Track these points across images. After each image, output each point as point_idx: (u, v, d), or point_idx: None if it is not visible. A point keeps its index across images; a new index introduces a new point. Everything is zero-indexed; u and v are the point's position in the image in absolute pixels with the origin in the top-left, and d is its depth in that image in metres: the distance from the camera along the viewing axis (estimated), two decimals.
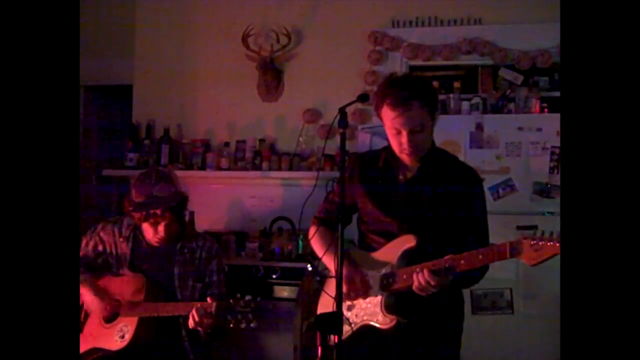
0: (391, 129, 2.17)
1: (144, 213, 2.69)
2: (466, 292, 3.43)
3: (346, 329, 2.09)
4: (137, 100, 4.59)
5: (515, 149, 3.58)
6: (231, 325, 2.40)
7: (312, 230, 2.42)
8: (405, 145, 2.16)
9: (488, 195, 3.53)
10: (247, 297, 2.41)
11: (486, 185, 3.51)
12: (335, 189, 2.46)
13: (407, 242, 2.16)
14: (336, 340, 1.92)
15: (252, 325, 2.39)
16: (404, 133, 2.14)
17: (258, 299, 2.42)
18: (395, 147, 2.21)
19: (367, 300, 2.20)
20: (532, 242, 1.85)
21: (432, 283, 2.01)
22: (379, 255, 2.24)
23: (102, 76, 4.90)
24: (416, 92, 2.13)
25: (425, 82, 2.26)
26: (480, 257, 1.96)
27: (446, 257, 2.02)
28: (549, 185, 3.51)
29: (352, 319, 2.18)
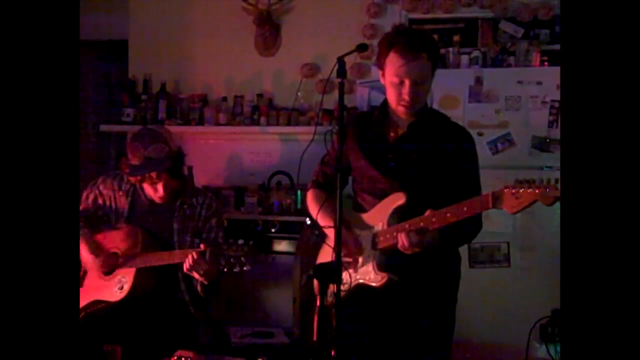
0: (393, 79, 2.16)
1: (138, 177, 2.69)
2: (464, 246, 3.49)
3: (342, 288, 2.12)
4: (133, 55, 4.53)
5: (515, 103, 3.56)
6: (225, 270, 2.42)
7: (308, 193, 2.47)
8: (406, 96, 2.15)
9: (486, 150, 3.54)
10: (240, 241, 2.43)
11: (485, 140, 3.55)
12: (330, 152, 2.47)
13: (397, 199, 2.18)
14: (335, 291, 1.94)
15: (245, 268, 2.41)
16: (407, 83, 2.13)
17: (250, 243, 2.43)
18: (392, 98, 2.20)
19: (361, 260, 2.23)
20: (512, 191, 1.88)
21: (413, 241, 2.04)
22: (371, 214, 2.27)
23: (97, 31, 4.83)
24: (425, 44, 2.14)
25: (432, 38, 2.28)
26: (465, 208, 1.98)
27: (427, 213, 2.05)
28: (548, 140, 3.50)
29: (346, 279, 2.19)
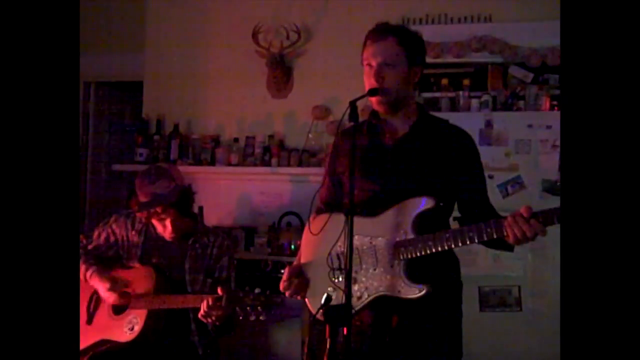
0: (366, 68, 2.12)
1: (145, 213, 2.71)
2: (474, 289, 3.47)
3: (354, 302, 2.02)
4: (147, 95, 4.62)
5: (525, 147, 3.58)
6: (240, 318, 2.41)
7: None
8: (373, 79, 2.08)
9: (497, 193, 3.54)
10: (257, 290, 2.42)
11: (495, 183, 3.55)
12: (324, 175, 2.37)
13: (420, 204, 2.02)
14: (345, 333, 1.92)
15: (261, 317, 2.40)
16: (374, 64, 2.08)
17: (267, 292, 2.43)
18: (366, 87, 2.12)
19: (377, 270, 2.06)
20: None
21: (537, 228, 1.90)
22: (385, 219, 2.08)
23: (112, 72, 4.94)
24: (394, 30, 2.12)
25: (409, 30, 2.18)
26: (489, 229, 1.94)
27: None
28: (558, 183, 3.50)
29: (361, 291, 2.07)
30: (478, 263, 3.39)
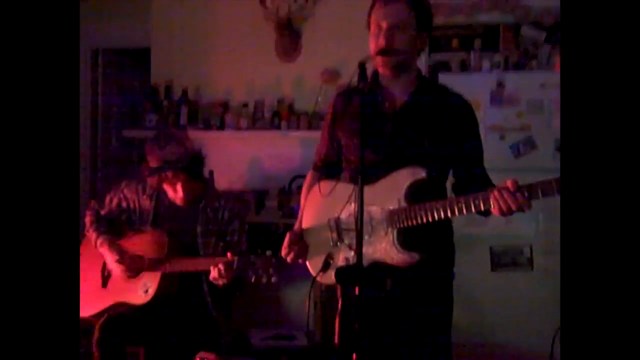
0: (374, 30, 2.11)
1: (156, 178, 2.72)
2: (486, 249, 3.48)
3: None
4: (155, 62, 4.59)
5: (537, 107, 3.54)
6: (252, 280, 2.43)
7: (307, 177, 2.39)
8: (382, 39, 2.07)
9: (509, 153, 3.53)
10: (268, 253, 2.44)
11: (507, 143, 3.53)
12: (322, 133, 2.37)
13: (414, 174, 2.05)
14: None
15: (272, 280, 2.42)
16: (384, 26, 2.07)
17: (279, 255, 2.44)
18: (373, 50, 2.11)
19: (372, 237, 2.10)
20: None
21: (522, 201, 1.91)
22: (379, 188, 2.10)
23: (120, 39, 4.91)
24: None
25: None
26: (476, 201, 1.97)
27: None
28: None
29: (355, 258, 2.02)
30: (489, 223, 3.35)
